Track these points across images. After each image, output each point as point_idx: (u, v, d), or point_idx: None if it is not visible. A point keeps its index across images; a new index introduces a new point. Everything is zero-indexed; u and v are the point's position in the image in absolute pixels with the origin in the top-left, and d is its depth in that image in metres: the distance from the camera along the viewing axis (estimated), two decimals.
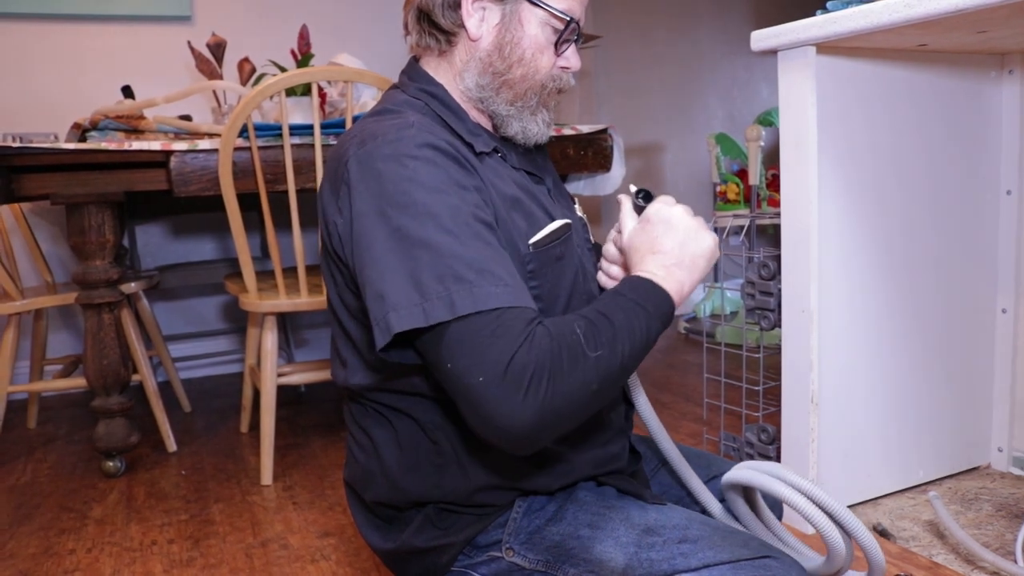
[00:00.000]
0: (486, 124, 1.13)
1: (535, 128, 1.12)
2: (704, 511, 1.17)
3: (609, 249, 1.15)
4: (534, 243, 1.04)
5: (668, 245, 1.01)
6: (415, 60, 1.16)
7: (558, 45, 1.08)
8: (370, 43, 3.40)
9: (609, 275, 1.15)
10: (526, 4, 1.06)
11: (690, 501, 1.21)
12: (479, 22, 1.08)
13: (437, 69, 1.12)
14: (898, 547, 1.63)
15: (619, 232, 1.12)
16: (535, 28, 1.07)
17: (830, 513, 0.99)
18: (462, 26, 1.08)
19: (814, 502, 1.00)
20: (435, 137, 0.98)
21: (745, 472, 1.05)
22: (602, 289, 1.21)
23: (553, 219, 1.09)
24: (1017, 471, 1.97)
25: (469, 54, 1.09)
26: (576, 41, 1.10)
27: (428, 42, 1.12)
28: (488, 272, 0.89)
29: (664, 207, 1.05)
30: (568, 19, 1.06)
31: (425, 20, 1.10)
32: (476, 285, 0.88)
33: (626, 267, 1.10)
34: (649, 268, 1.00)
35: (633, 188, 1.11)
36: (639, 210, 1.10)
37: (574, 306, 1.09)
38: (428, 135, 0.98)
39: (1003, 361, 1.98)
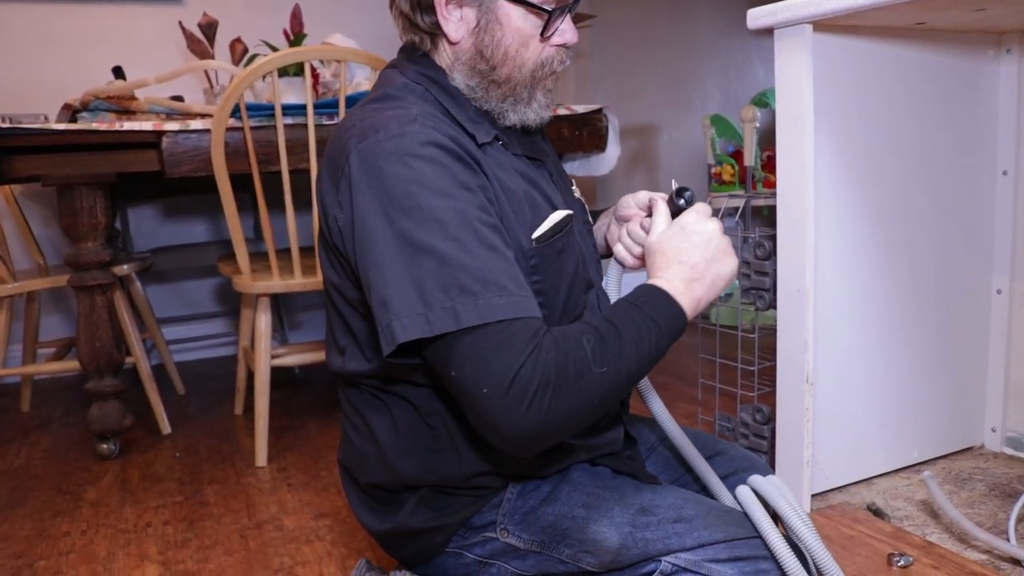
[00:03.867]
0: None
1: (532, 116, 1.09)
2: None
3: (636, 231, 1.14)
4: (537, 237, 1.02)
5: (695, 258, 1.01)
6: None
7: (544, 32, 1.05)
8: (363, 23, 3.37)
9: (632, 253, 1.15)
10: (501, 2, 1.02)
11: (686, 481, 1.21)
12: (457, 24, 1.05)
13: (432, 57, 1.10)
14: (892, 526, 1.63)
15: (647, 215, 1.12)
16: (518, 21, 1.03)
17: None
18: (440, 29, 1.06)
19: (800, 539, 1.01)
20: (439, 133, 0.96)
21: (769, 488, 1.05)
22: (608, 255, 1.21)
23: (555, 207, 1.08)
24: (1010, 451, 1.98)
25: (453, 56, 1.07)
26: (569, 10, 1.07)
27: (413, 39, 1.10)
28: (493, 283, 0.89)
29: (701, 219, 1.04)
30: (548, 10, 1.03)
31: (406, 20, 1.08)
32: (481, 297, 0.88)
33: (642, 259, 1.10)
34: (670, 277, 0.99)
35: (675, 185, 1.10)
36: (674, 208, 1.08)
37: (574, 296, 1.08)
38: (432, 131, 0.95)
39: (997, 342, 1.99)
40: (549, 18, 1.03)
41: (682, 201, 1.07)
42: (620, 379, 0.91)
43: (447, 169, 0.93)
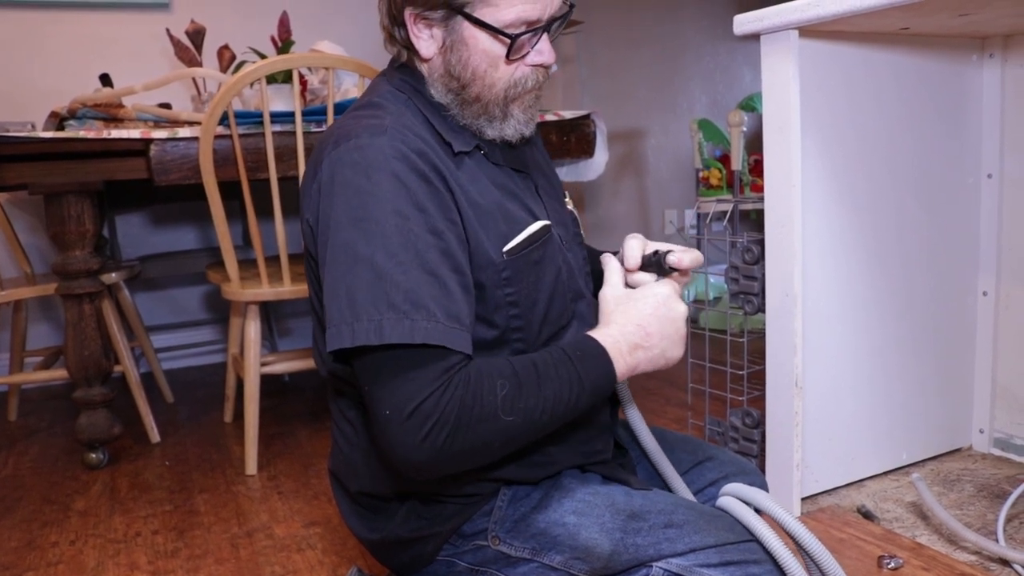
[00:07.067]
0: None
1: (511, 131, 1.08)
2: None
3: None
4: (508, 250, 1.02)
5: (653, 329, 1.01)
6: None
7: (509, 55, 1.03)
8: (351, 30, 3.37)
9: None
10: (466, 24, 1.01)
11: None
12: (428, 41, 1.05)
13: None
14: (882, 529, 1.64)
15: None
16: (484, 43, 1.02)
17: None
18: (412, 45, 1.06)
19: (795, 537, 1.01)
20: (406, 145, 0.96)
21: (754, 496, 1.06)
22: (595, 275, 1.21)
23: (535, 219, 1.07)
24: (998, 452, 1.99)
25: (428, 71, 1.08)
26: (548, 30, 1.04)
27: (393, 50, 1.11)
28: (423, 306, 0.90)
29: (675, 298, 1.04)
30: (511, 36, 1.01)
31: (387, 33, 1.09)
32: (408, 317, 0.89)
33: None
34: (617, 336, 1.00)
35: (650, 250, 1.09)
36: (656, 266, 1.08)
37: (556, 307, 1.08)
38: (399, 143, 0.96)
39: (984, 344, 2.00)
40: (512, 44, 1.02)
41: (658, 263, 1.07)
42: (528, 429, 0.93)
43: (405, 187, 0.94)
